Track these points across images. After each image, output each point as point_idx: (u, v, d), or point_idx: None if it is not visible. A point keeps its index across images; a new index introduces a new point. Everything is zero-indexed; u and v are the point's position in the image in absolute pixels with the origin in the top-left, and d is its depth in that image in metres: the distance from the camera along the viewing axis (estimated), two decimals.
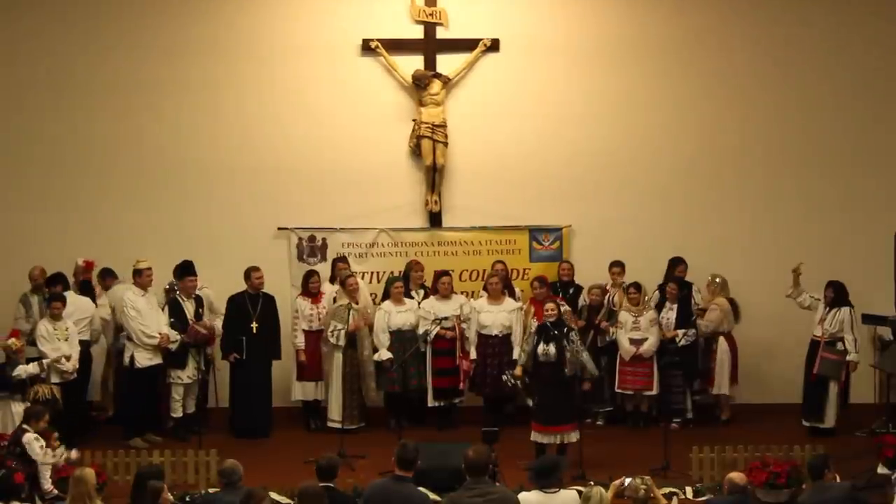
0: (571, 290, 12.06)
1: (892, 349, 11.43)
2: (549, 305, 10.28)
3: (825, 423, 11.33)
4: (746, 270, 12.20)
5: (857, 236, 12.48)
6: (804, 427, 11.45)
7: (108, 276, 11.80)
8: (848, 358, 11.29)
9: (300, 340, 11.70)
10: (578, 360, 10.07)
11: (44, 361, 10.44)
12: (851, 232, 12.52)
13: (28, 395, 10.24)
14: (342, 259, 12.14)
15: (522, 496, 7.53)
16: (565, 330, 10.14)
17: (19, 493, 8.77)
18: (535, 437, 10.06)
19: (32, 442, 9.07)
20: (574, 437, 10.02)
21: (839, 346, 11.31)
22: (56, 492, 9.06)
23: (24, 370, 10.27)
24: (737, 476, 7.83)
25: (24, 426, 9.23)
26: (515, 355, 10.82)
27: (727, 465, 9.52)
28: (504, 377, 10.37)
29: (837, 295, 11.35)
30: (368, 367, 11.61)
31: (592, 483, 7.36)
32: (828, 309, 11.38)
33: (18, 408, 10.09)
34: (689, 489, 9.53)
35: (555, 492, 7.43)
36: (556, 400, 10.01)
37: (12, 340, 10.39)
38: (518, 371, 10.17)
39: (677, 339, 11.55)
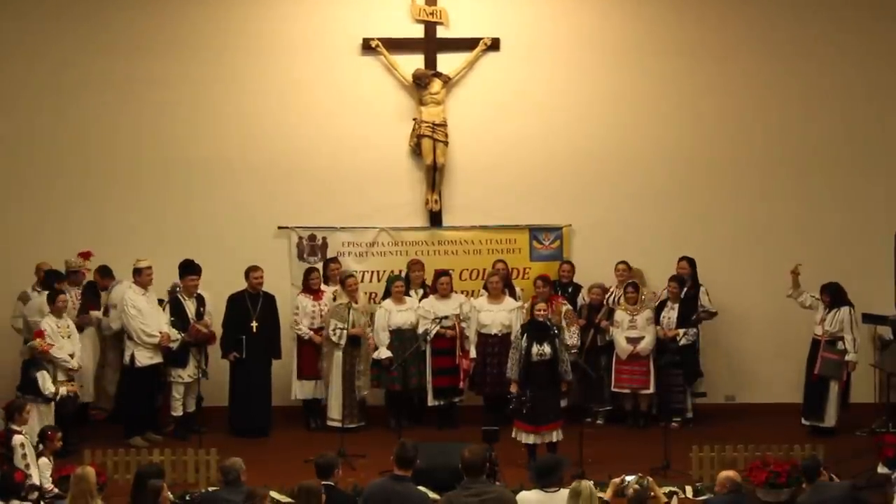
0: (570, 290, 12.07)
1: (893, 348, 11.43)
2: (540, 305, 10.28)
3: (825, 422, 11.34)
4: (746, 270, 12.20)
5: (857, 236, 12.48)
6: (804, 427, 11.45)
7: (105, 276, 11.70)
8: (847, 358, 11.30)
9: (305, 331, 11.68)
10: (566, 360, 10.18)
11: (70, 387, 10.47)
12: (851, 231, 12.52)
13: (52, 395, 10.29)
14: (334, 259, 12.16)
15: (522, 495, 7.54)
16: (556, 329, 10.17)
17: (19, 492, 8.75)
18: (521, 436, 10.06)
19: (17, 449, 9.03)
20: (559, 435, 10.04)
21: (839, 345, 11.33)
22: (56, 490, 9.05)
23: (43, 381, 10.21)
24: (731, 474, 7.81)
25: (13, 426, 9.18)
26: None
27: (727, 465, 9.51)
28: (512, 401, 10.21)
29: (834, 298, 11.38)
30: (361, 365, 11.62)
31: (580, 481, 7.33)
32: (828, 309, 11.39)
33: (43, 408, 10.11)
34: (688, 488, 9.52)
35: (555, 491, 7.43)
36: (545, 399, 10.02)
37: (38, 341, 10.38)
38: (514, 388, 10.15)
39: (678, 339, 11.56)
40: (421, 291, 11.96)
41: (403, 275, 12.06)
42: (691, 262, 11.95)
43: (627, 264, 11.99)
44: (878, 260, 12.16)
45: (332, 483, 7.55)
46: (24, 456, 9.00)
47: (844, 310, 11.35)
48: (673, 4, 12.56)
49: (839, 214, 12.60)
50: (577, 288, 12.12)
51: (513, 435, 10.13)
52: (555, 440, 10.05)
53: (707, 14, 12.54)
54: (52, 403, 10.24)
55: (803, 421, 11.53)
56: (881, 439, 9.97)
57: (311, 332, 11.70)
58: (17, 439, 9.04)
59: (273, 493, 9.17)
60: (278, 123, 12.53)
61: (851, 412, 11.63)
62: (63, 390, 10.37)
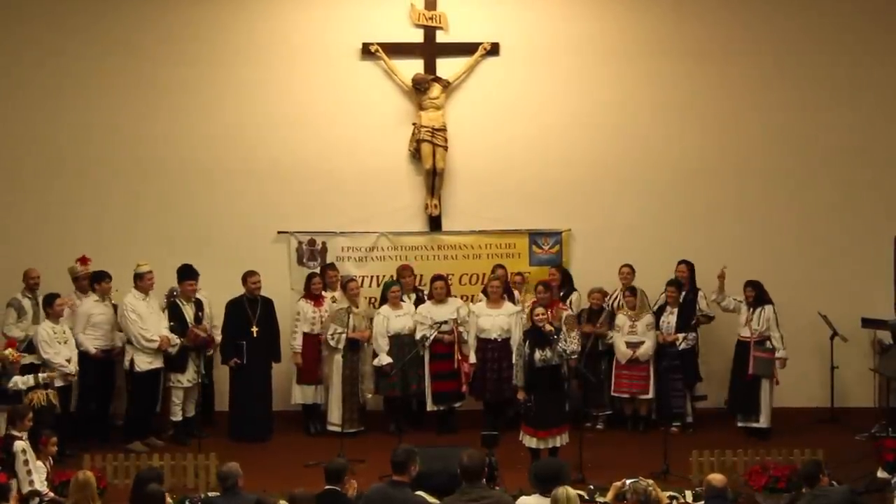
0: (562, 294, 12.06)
1: (892, 353, 11.44)
2: (539, 310, 10.27)
3: (760, 422, 11.39)
4: (746, 273, 12.16)
5: (857, 240, 12.49)
6: (741, 429, 11.51)
7: (103, 279, 11.35)
8: (777, 355, 11.42)
9: (298, 343, 11.69)
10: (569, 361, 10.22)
11: (40, 375, 10.18)
12: (852, 235, 12.53)
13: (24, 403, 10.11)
14: (332, 266, 12.17)
15: (522, 500, 7.53)
16: (556, 335, 10.14)
17: (6, 494, 8.69)
18: (528, 441, 10.09)
19: (19, 454, 8.97)
20: (565, 439, 10.06)
21: (768, 344, 11.42)
22: (52, 495, 9.02)
23: (18, 382, 10.04)
24: (713, 478, 7.79)
25: (14, 432, 9.13)
26: (514, 360, 10.76)
27: (727, 469, 9.51)
28: (521, 408, 10.31)
29: (759, 293, 11.46)
30: (366, 367, 11.62)
31: (557, 489, 7.31)
32: (751, 309, 11.47)
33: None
34: (688, 493, 9.51)
35: None
36: (551, 403, 10.04)
37: (9, 351, 10.22)
38: (521, 395, 10.19)
39: (678, 343, 11.56)
40: (414, 296, 11.96)
41: (395, 281, 12.04)
42: (690, 266, 11.96)
43: (631, 267, 11.99)
44: (877, 264, 12.18)
45: (338, 489, 7.55)
46: (26, 462, 8.98)
47: (768, 308, 11.45)
48: (672, 8, 12.57)
49: (839, 219, 12.61)
50: (570, 291, 12.10)
51: (519, 438, 10.16)
52: (559, 444, 10.06)
53: (707, 18, 12.56)
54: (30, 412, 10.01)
55: (738, 423, 11.58)
56: (881, 444, 9.98)
57: (298, 353, 11.65)
58: (18, 445, 9.01)
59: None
60: (278, 128, 12.53)
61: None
62: (36, 395, 10.10)
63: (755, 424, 11.42)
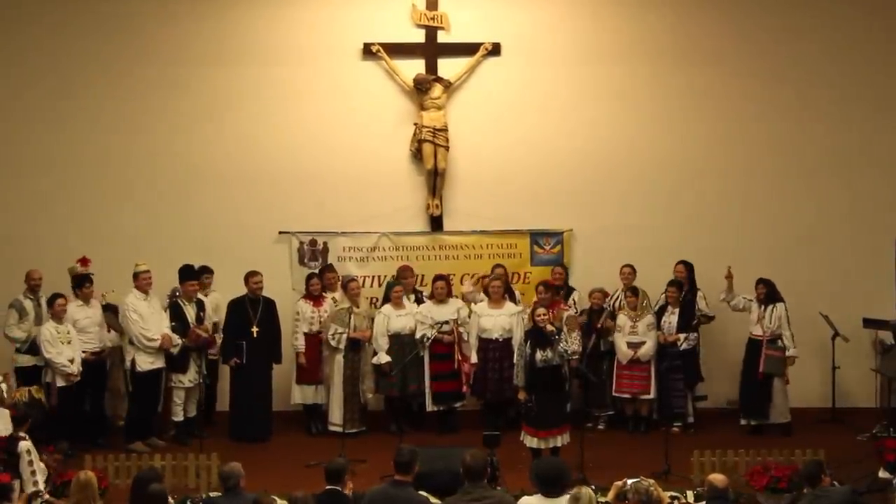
0: (562, 293, 12.05)
1: (893, 353, 11.43)
2: (540, 310, 10.27)
3: (773, 419, 11.46)
4: (747, 274, 12.18)
5: (858, 240, 12.48)
6: (744, 427, 11.59)
7: (83, 284, 11.23)
8: (788, 353, 11.49)
9: (301, 343, 11.70)
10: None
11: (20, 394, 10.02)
12: (853, 235, 12.52)
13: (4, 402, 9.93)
14: (331, 269, 12.18)
15: (524, 501, 7.53)
16: (557, 335, 10.13)
17: (8, 494, 8.69)
18: (529, 441, 10.10)
19: (24, 455, 8.98)
20: (566, 439, 10.07)
21: (779, 343, 11.48)
22: (48, 496, 9.00)
23: None
24: (714, 478, 7.79)
25: (21, 433, 9.14)
26: (515, 360, 10.77)
27: (728, 469, 9.50)
28: (521, 408, 10.33)
29: (770, 291, 11.52)
30: (366, 367, 11.63)
31: (580, 488, 7.31)
32: (763, 307, 11.52)
33: None
34: (689, 493, 9.51)
35: (557, 496, 7.41)
36: (552, 403, 10.04)
37: None
38: (522, 395, 10.20)
39: (679, 343, 11.56)
40: (413, 297, 11.96)
41: (397, 280, 12.04)
42: (688, 266, 11.96)
43: (632, 267, 11.98)
44: (878, 264, 12.17)
45: (338, 489, 7.57)
46: (31, 462, 8.97)
47: (780, 306, 11.52)
48: (672, 10, 12.56)
49: (840, 219, 12.60)
50: (570, 291, 12.12)
51: (520, 438, 10.17)
52: (560, 444, 10.07)
53: (707, 19, 12.55)
54: (6, 412, 9.79)
55: (741, 421, 11.65)
56: (882, 444, 9.97)
57: (302, 352, 11.68)
58: (22, 445, 9.00)
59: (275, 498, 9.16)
60: (279, 128, 12.54)
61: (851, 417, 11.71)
62: (18, 393, 10.06)
63: (767, 421, 11.46)
